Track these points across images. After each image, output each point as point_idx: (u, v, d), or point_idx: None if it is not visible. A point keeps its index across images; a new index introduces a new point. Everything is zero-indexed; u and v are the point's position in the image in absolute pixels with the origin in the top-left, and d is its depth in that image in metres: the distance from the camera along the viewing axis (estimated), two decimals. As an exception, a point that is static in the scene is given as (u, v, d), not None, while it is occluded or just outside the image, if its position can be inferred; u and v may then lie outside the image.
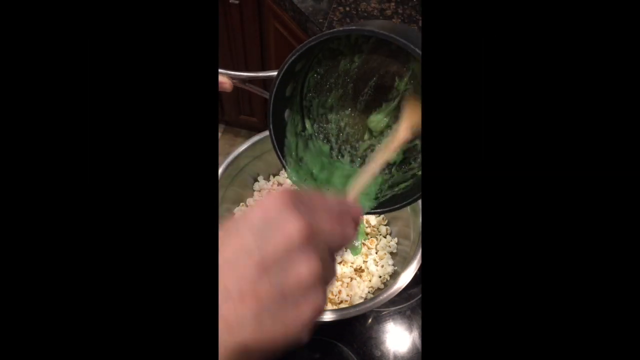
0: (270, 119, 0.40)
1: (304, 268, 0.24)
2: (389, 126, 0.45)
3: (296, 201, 0.26)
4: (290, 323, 0.25)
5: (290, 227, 0.25)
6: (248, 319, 0.23)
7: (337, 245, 0.28)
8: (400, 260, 0.62)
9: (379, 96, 0.45)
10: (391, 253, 0.65)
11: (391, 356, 0.59)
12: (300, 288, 0.24)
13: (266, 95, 0.36)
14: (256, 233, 0.25)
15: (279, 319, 0.24)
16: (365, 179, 0.34)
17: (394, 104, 0.44)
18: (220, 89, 0.39)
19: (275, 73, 0.37)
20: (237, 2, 1.27)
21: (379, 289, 0.61)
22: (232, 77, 0.39)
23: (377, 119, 0.45)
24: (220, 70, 0.39)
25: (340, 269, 0.62)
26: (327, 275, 0.26)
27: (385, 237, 0.67)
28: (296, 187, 0.46)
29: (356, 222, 0.30)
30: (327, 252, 0.27)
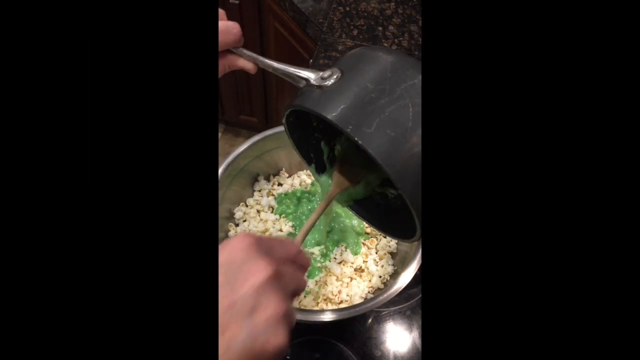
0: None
1: (271, 308, 0.27)
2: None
3: (260, 246, 0.29)
4: (261, 353, 0.27)
5: (258, 273, 0.27)
6: (221, 349, 0.25)
7: (294, 289, 0.31)
8: (400, 260, 0.62)
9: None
10: (391, 253, 0.65)
11: (391, 356, 0.59)
12: (268, 326, 0.27)
13: (290, 75, 0.37)
14: (226, 274, 0.28)
15: (247, 354, 0.26)
16: (306, 228, 0.41)
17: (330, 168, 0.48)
18: (245, 69, 0.41)
19: (291, 68, 0.37)
20: (237, 2, 1.27)
21: (379, 289, 0.61)
22: (255, 60, 0.40)
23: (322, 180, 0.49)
24: (247, 52, 0.40)
25: (340, 269, 0.62)
26: (290, 315, 0.29)
27: (385, 237, 0.67)
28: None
29: (305, 269, 0.33)
30: (288, 295, 0.29)
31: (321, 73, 0.35)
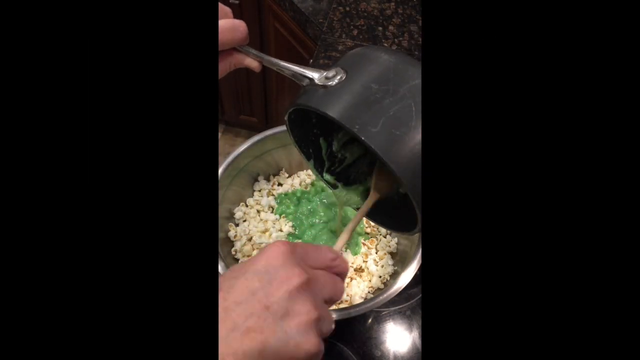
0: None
1: (304, 313, 0.28)
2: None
3: (296, 254, 0.30)
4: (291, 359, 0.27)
5: (292, 278, 0.28)
6: (254, 351, 0.26)
7: (330, 296, 0.31)
8: (400, 260, 0.62)
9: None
10: (391, 253, 0.65)
11: (391, 356, 0.59)
12: (299, 330, 0.27)
13: (293, 74, 0.38)
14: (262, 279, 0.28)
15: (280, 357, 0.26)
16: (346, 236, 0.41)
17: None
18: (250, 68, 0.41)
19: (296, 67, 0.38)
20: (237, 2, 1.27)
21: (379, 289, 0.61)
22: (261, 59, 0.40)
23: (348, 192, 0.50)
24: (252, 50, 0.40)
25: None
26: (323, 323, 0.29)
27: (385, 237, 0.67)
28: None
29: (343, 277, 0.34)
30: (322, 302, 0.30)
31: (325, 73, 0.35)
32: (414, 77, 0.33)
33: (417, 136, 0.31)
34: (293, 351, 0.27)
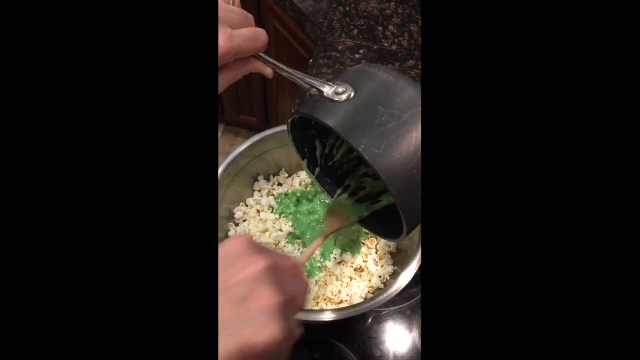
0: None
1: (264, 297, 0.27)
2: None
3: (258, 245, 0.30)
4: (248, 344, 0.25)
5: (255, 263, 0.28)
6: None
7: (293, 293, 0.30)
8: (400, 260, 0.62)
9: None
10: (391, 253, 0.65)
11: (391, 356, 0.59)
12: (257, 315, 0.26)
13: (303, 85, 0.39)
14: (222, 265, 0.28)
15: (239, 339, 0.25)
16: (304, 259, 0.43)
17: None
18: (264, 74, 0.42)
19: (308, 78, 0.39)
20: (237, 2, 1.27)
21: (379, 289, 0.61)
22: (275, 67, 0.41)
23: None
24: (268, 58, 0.41)
25: (340, 269, 0.62)
26: (289, 310, 0.28)
27: (385, 237, 0.67)
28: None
29: (305, 288, 0.32)
30: (284, 292, 0.28)
31: (335, 87, 0.37)
32: (417, 104, 0.35)
33: (415, 161, 0.35)
34: (249, 339, 0.25)
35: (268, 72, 0.42)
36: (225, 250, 0.29)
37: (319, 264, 0.62)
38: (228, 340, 0.25)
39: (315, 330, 0.60)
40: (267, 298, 0.27)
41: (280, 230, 0.65)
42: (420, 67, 0.90)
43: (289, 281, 0.30)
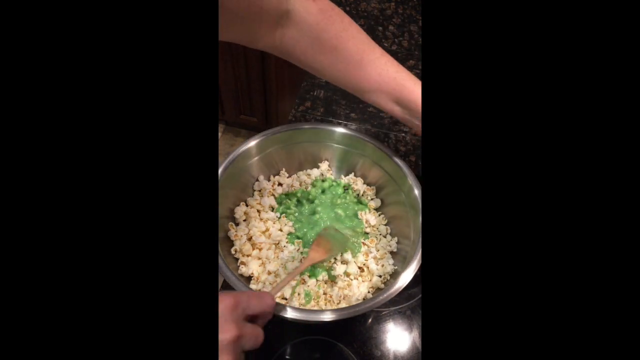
0: None
1: (226, 334, 0.34)
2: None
3: (239, 308, 0.37)
4: None
5: (225, 333, 0.34)
6: None
7: (252, 345, 0.38)
8: (400, 259, 0.62)
9: None
10: (391, 252, 0.65)
11: (391, 356, 0.59)
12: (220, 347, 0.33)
13: None
14: None
15: None
16: (283, 284, 0.49)
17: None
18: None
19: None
20: (237, 2, 1.26)
21: (379, 288, 0.61)
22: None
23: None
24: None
25: (340, 269, 0.62)
26: (244, 344, 0.36)
27: (385, 236, 0.67)
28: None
29: (266, 321, 0.41)
30: (241, 353, 0.36)
31: None
32: None
33: None
34: None
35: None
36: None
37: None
38: None
39: (315, 330, 0.60)
40: (225, 337, 0.34)
41: (280, 230, 0.65)
42: (420, 67, 0.90)
43: (249, 339, 0.37)
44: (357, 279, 0.62)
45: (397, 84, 0.52)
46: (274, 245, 0.64)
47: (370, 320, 0.62)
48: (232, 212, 0.66)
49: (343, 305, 0.59)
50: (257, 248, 0.63)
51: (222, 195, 0.61)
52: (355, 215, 0.68)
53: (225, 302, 0.36)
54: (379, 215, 0.68)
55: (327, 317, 0.48)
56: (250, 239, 0.64)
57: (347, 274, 0.62)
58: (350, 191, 0.71)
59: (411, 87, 0.52)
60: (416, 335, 0.60)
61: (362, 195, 0.70)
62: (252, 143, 0.63)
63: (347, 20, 0.51)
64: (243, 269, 0.60)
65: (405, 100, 0.52)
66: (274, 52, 0.51)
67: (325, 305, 0.60)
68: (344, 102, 0.85)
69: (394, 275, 0.61)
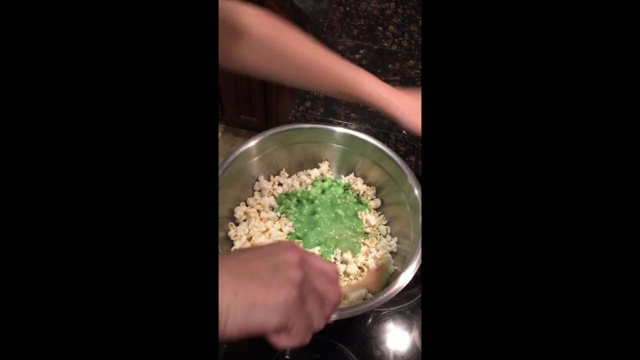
0: None
1: (290, 274, 0.31)
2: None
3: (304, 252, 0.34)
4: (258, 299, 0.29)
5: (289, 254, 0.32)
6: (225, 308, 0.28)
7: (323, 290, 0.34)
8: (400, 260, 0.62)
9: None
10: (391, 252, 0.65)
11: (391, 356, 0.59)
12: (284, 281, 0.30)
13: None
14: (269, 248, 0.33)
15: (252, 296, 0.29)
16: (350, 290, 0.53)
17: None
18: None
19: None
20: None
21: (379, 288, 0.61)
22: None
23: None
24: None
25: (340, 269, 0.62)
26: (310, 297, 0.32)
27: (385, 236, 0.67)
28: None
29: (334, 307, 0.36)
30: (310, 289, 0.32)
31: None
32: None
33: None
34: (264, 294, 0.29)
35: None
36: (279, 247, 0.33)
37: (319, 264, 0.62)
38: (244, 293, 0.29)
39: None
40: (292, 276, 0.31)
41: (280, 230, 0.65)
42: (420, 67, 0.90)
43: (322, 281, 0.33)
44: (357, 279, 0.62)
45: (347, 83, 0.56)
46: (274, 245, 0.64)
47: (370, 320, 0.62)
48: (232, 212, 0.66)
49: (343, 305, 0.59)
50: (257, 248, 0.63)
51: (222, 195, 0.61)
52: (355, 215, 0.68)
53: (285, 242, 0.35)
54: (379, 215, 0.68)
55: (327, 317, 0.48)
56: (250, 239, 0.64)
57: (347, 274, 0.62)
58: (350, 191, 0.71)
59: (359, 80, 0.56)
60: (416, 335, 0.60)
61: (362, 195, 0.70)
62: (252, 143, 0.63)
63: (295, 31, 0.56)
64: (243, 269, 0.60)
65: (360, 98, 0.57)
66: (231, 67, 0.53)
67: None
68: (344, 102, 0.85)
69: (394, 275, 0.61)
